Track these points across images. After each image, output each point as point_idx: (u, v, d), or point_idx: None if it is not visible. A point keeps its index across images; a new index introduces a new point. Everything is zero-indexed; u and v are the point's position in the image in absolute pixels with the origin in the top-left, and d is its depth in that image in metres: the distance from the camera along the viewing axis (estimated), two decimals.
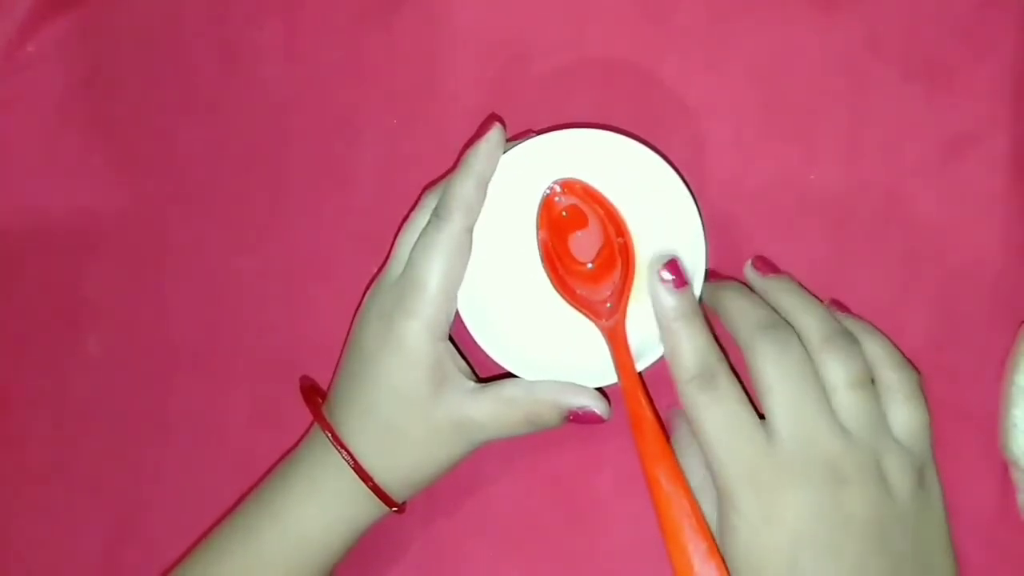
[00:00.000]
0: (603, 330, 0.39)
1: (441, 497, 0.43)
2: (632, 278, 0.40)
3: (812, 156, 0.43)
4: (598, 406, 0.38)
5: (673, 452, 0.37)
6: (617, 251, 0.40)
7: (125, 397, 0.46)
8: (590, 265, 0.40)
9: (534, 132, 0.41)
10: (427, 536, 0.43)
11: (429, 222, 0.39)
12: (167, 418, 0.45)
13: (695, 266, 0.39)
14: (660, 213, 0.40)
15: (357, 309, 0.41)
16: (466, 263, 0.39)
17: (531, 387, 0.39)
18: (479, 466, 0.43)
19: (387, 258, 0.41)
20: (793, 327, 0.37)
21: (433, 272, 0.38)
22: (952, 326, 0.42)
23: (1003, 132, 0.42)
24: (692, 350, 0.36)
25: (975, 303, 0.42)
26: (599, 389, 0.39)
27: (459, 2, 0.46)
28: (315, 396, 0.42)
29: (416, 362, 0.38)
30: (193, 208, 0.47)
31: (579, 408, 0.38)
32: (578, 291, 0.40)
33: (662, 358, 0.38)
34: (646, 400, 0.37)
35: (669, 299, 0.37)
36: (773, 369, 0.35)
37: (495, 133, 0.39)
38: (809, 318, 0.37)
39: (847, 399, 0.35)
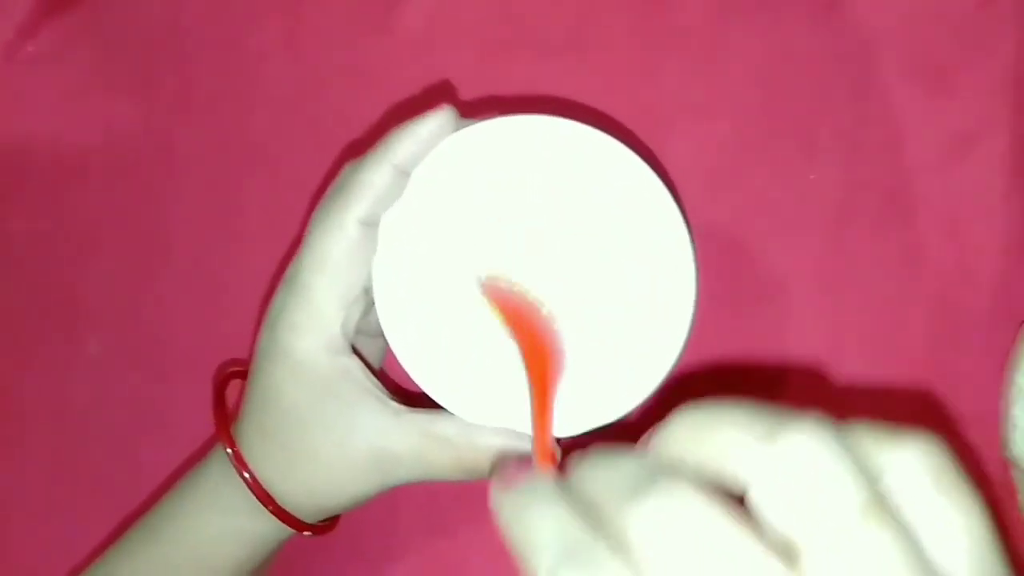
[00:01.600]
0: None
1: (442, 497, 0.43)
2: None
3: (812, 156, 0.43)
4: None
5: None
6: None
7: (125, 397, 0.46)
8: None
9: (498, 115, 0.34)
10: (427, 536, 0.43)
11: (320, 208, 0.33)
12: (167, 418, 0.45)
13: (683, 304, 0.33)
14: (638, 232, 0.33)
15: None
16: (367, 263, 0.33)
17: (469, 429, 0.32)
18: None
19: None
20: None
21: (320, 276, 0.32)
22: (952, 326, 0.42)
23: (1003, 132, 0.42)
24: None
25: (975, 303, 0.42)
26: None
27: (459, 2, 0.46)
28: (224, 404, 0.37)
29: (312, 381, 0.32)
30: (193, 208, 0.47)
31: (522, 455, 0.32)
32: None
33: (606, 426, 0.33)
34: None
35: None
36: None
37: (433, 116, 0.32)
38: None
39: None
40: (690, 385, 0.42)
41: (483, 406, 0.33)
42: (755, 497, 0.20)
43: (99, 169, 0.48)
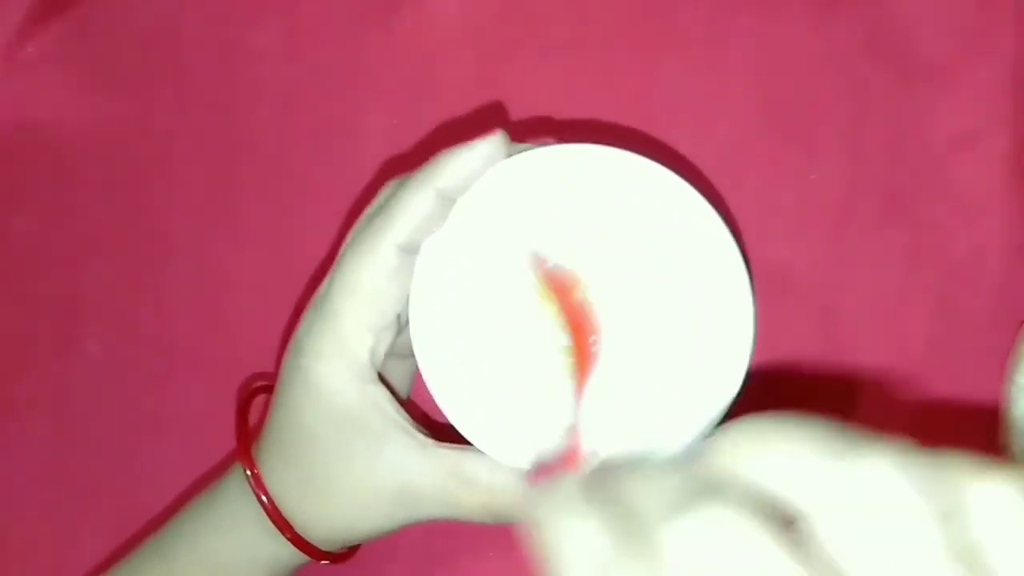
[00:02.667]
0: None
1: None
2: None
3: (812, 156, 0.43)
4: None
5: None
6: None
7: (125, 397, 0.46)
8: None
9: (552, 140, 0.33)
10: (427, 535, 0.43)
11: (357, 231, 0.32)
12: (167, 418, 0.45)
13: (739, 345, 0.31)
14: (694, 267, 0.32)
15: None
16: (402, 291, 0.31)
17: (499, 471, 0.31)
18: None
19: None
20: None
21: (352, 302, 0.31)
22: (952, 326, 0.42)
23: (1003, 132, 0.42)
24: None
25: (975, 303, 0.42)
26: None
27: (459, 2, 0.46)
28: (246, 422, 0.36)
29: (335, 410, 0.31)
30: (193, 208, 0.47)
31: None
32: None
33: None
34: None
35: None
36: None
37: (484, 142, 0.31)
38: None
39: None
40: None
41: (514, 445, 0.31)
42: (815, 524, 0.18)
43: (99, 169, 0.47)
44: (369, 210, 0.33)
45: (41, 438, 0.46)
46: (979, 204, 0.42)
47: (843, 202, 0.43)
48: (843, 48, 0.44)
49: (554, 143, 0.32)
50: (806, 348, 0.42)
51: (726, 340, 0.32)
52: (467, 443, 0.32)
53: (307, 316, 0.33)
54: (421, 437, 0.31)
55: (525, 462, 0.31)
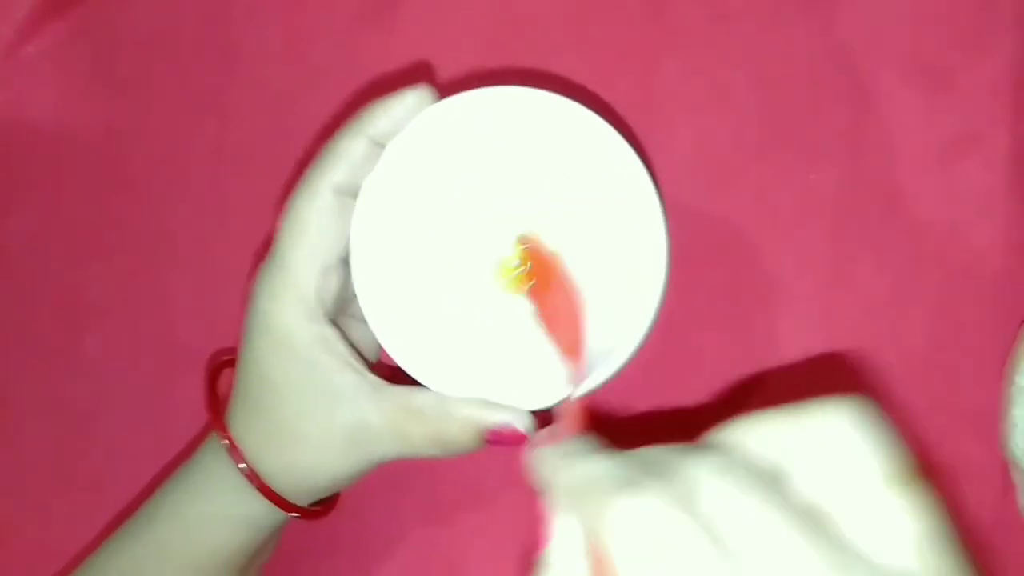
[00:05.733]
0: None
1: (441, 496, 0.43)
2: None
3: (812, 156, 0.43)
4: (520, 421, 0.33)
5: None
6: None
7: (125, 397, 0.46)
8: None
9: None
10: (427, 535, 0.43)
11: (302, 180, 0.34)
12: (167, 418, 0.45)
13: (654, 279, 0.32)
14: (612, 201, 0.34)
15: None
16: (342, 231, 0.33)
17: (444, 401, 0.33)
18: (479, 465, 0.43)
19: None
20: None
21: (296, 243, 0.33)
22: (952, 326, 0.42)
23: (1003, 132, 0.42)
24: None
25: (975, 303, 0.42)
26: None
27: (459, 2, 0.46)
28: (215, 391, 0.38)
29: (289, 351, 0.33)
30: (193, 208, 0.47)
31: (497, 426, 0.32)
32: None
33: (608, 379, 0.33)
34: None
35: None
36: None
37: (411, 92, 0.33)
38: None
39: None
40: (690, 383, 0.42)
41: (459, 380, 0.33)
42: (792, 473, 0.22)
43: (99, 169, 0.48)
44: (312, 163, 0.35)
45: (41, 438, 0.46)
46: (979, 204, 0.42)
47: (843, 202, 0.43)
48: (843, 48, 0.44)
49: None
50: (806, 348, 0.42)
51: (641, 273, 0.33)
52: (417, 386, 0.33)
53: (262, 266, 0.35)
54: (372, 378, 0.33)
55: (467, 393, 0.33)
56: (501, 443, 0.33)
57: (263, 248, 0.46)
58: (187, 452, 0.44)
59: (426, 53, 0.46)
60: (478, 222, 0.36)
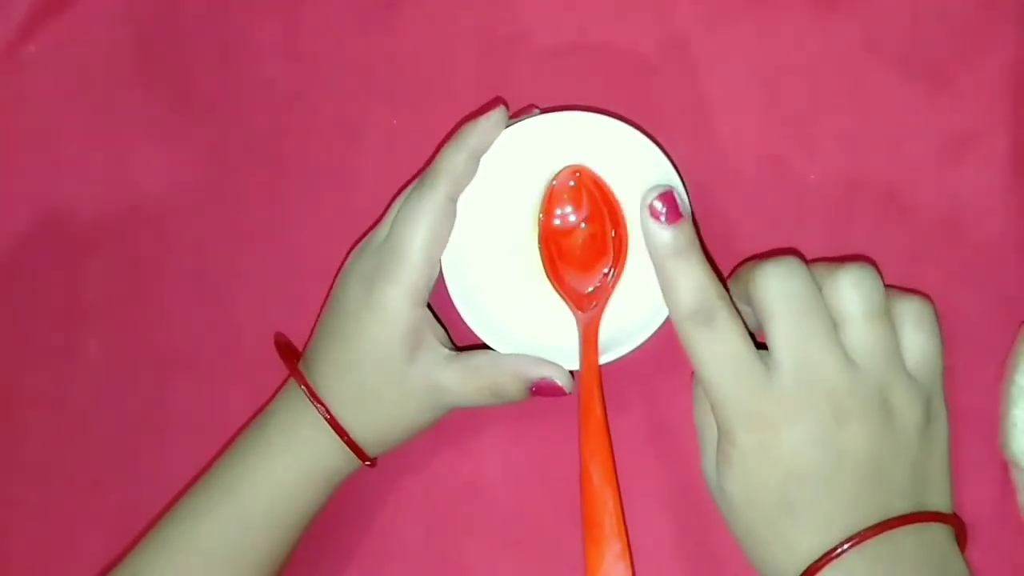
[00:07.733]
0: (579, 321, 0.40)
1: (441, 496, 0.43)
2: (621, 274, 0.41)
3: (812, 156, 0.43)
4: (560, 378, 0.39)
5: (611, 449, 0.38)
6: (611, 244, 0.41)
7: (125, 397, 0.46)
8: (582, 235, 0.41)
9: (537, 109, 0.42)
10: (426, 536, 0.43)
11: (414, 189, 0.40)
12: (166, 418, 0.45)
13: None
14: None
15: (339, 270, 0.42)
16: (449, 232, 0.40)
17: (497, 358, 0.40)
18: (479, 465, 0.43)
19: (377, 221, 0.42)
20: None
21: (416, 239, 0.39)
22: (952, 326, 0.42)
23: (1003, 132, 0.42)
24: (688, 288, 0.35)
25: (975, 303, 0.42)
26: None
27: (459, 2, 0.46)
28: (291, 352, 0.43)
29: (395, 326, 0.39)
30: (193, 208, 0.47)
31: (540, 379, 0.39)
32: (567, 278, 0.41)
33: (632, 352, 0.39)
34: (599, 395, 0.38)
35: (662, 235, 0.35)
36: (776, 296, 0.34)
37: (496, 112, 0.40)
38: None
39: (861, 330, 0.34)
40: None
41: (517, 343, 0.40)
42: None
43: (98, 169, 0.48)
44: (421, 178, 0.41)
45: (41, 438, 0.46)
46: (979, 204, 0.42)
47: (843, 202, 0.43)
48: (843, 48, 0.44)
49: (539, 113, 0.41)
50: None
51: None
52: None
53: (364, 251, 0.41)
54: (446, 351, 0.40)
55: (521, 350, 0.40)
56: (543, 394, 0.39)
57: (263, 245, 0.46)
58: (187, 452, 0.45)
59: (426, 53, 0.46)
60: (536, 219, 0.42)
